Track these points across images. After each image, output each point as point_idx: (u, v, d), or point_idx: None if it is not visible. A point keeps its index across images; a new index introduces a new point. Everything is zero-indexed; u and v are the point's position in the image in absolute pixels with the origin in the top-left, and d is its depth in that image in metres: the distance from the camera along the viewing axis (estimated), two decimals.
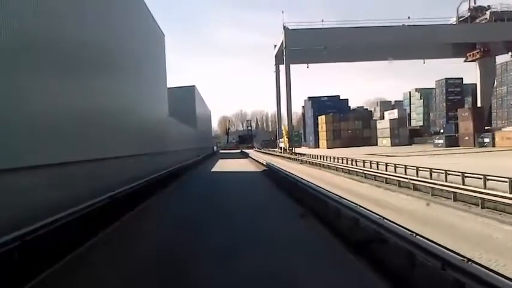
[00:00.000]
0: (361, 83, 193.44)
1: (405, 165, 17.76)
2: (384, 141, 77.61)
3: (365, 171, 21.71)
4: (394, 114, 79.08)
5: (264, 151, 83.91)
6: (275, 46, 57.33)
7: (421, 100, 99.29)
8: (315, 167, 31.17)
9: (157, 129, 26.37)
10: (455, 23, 58.72)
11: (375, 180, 19.94)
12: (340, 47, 51.47)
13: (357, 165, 24.17)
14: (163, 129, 28.31)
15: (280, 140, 57.61)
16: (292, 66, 49.10)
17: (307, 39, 48.98)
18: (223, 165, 39.62)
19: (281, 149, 56.89)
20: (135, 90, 20.55)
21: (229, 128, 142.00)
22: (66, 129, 10.77)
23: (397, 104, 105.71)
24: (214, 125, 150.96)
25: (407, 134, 76.43)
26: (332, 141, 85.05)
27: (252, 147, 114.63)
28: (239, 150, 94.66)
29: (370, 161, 22.33)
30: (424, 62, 59.82)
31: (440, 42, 54.63)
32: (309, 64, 55.46)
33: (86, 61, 12.77)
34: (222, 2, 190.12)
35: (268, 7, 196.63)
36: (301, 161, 37.47)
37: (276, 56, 57.95)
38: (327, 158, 31.90)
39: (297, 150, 54.65)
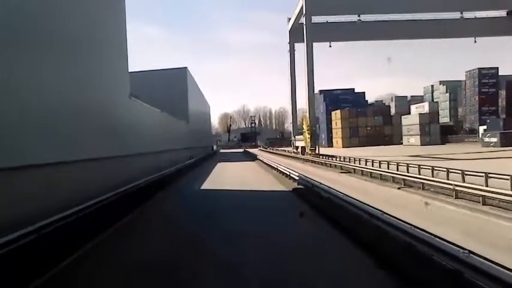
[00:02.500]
0: (368, 78, 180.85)
1: None
2: (412, 140, 65.46)
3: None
4: (423, 108, 66.54)
5: (271, 150, 71.27)
6: (289, 19, 44.79)
7: (447, 94, 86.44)
8: (384, 183, 18.15)
9: (109, 117, 14.18)
10: None
11: None
12: (378, 14, 38.91)
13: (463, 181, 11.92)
14: (124, 118, 16.14)
15: (297, 137, 45.02)
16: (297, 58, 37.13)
17: (334, 4, 36.48)
18: (222, 175, 25.85)
19: (297, 149, 44.43)
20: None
21: (230, 125, 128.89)
22: None
23: (414, 100, 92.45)
24: (215, 122, 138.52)
25: (438, 132, 64.03)
26: (348, 140, 72.98)
27: (255, 146, 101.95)
28: (242, 150, 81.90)
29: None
30: (475, 41, 47.07)
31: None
32: (334, 42, 42.89)
33: None
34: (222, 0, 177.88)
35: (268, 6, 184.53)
36: (342, 168, 24.87)
37: (290, 32, 45.54)
38: (379, 164, 20.00)
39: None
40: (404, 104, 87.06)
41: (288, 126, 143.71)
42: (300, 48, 47.65)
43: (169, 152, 27.88)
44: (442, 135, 63.59)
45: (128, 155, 16.31)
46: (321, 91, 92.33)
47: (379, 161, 22.06)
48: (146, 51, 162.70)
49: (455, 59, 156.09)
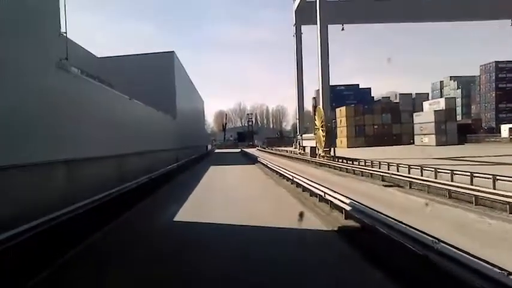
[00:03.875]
0: (367, 76, 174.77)
1: None
2: (426, 140, 58.84)
3: None
4: (439, 104, 59.76)
5: (271, 151, 64.05)
6: None
7: (458, 90, 79.76)
8: (470, 207, 10.97)
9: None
10: None
11: None
12: None
13: None
14: (47, 97, 8.99)
15: (304, 136, 37.85)
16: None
17: None
18: (213, 188, 17.70)
19: (304, 150, 37.27)
20: None
21: (226, 124, 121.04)
22: None
23: (419, 97, 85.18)
24: (210, 120, 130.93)
25: (456, 130, 57.38)
26: (354, 139, 66.43)
27: (253, 146, 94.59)
28: (239, 150, 74.42)
29: None
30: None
31: None
32: (348, 25, 35.74)
33: None
34: None
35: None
36: (383, 178, 17.45)
37: (296, 12, 38.42)
38: (421, 171, 13.76)
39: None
40: (409, 101, 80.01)
41: (286, 125, 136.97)
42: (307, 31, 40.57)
43: (144, 155, 20.68)
44: (459, 135, 57.00)
45: (58, 161, 9.22)
46: None
47: (421, 167, 15.55)
48: (141, 49, 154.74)
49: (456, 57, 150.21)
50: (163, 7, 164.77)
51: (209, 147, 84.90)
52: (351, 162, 25.14)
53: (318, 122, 28.16)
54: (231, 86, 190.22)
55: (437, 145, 54.92)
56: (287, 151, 53.84)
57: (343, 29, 36.66)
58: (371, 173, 18.58)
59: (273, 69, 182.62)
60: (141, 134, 21.51)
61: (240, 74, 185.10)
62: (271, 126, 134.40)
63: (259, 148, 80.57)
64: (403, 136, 68.42)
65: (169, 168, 21.70)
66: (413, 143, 62.94)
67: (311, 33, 36.19)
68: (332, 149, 27.92)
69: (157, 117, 26.73)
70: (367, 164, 23.63)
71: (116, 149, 15.61)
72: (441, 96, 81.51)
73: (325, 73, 27.79)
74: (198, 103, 61.30)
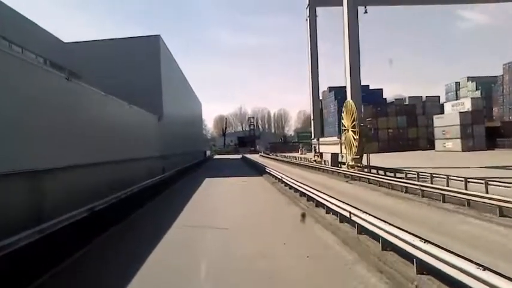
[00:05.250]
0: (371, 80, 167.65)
1: None
2: (449, 144, 51.95)
3: None
4: (464, 105, 52.77)
5: (276, 157, 56.82)
6: None
7: (477, 92, 72.69)
8: None
9: None
10: None
11: None
12: None
13: None
14: None
15: (322, 140, 30.66)
16: None
17: None
18: (201, 234, 8.94)
19: (320, 157, 30.13)
20: None
21: (226, 128, 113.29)
22: None
23: (429, 100, 77.55)
24: (210, 125, 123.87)
25: (484, 134, 50.45)
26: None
27: (255, 152, 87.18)
28: (240, 156, 67.10)
29: None
30: None
31: None
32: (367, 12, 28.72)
33: None
34: (219, 4, 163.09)
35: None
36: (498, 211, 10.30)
37: None
38: None
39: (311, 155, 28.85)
40: (419, 104, 72.65)
41: (289, 130, 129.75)
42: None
43: (108, 166, 13.65)
44: (486, 139, 50.08)
45: None
46: (330, 88, 78.37)
47: (485, 182, 10.99)
48: None
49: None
50: (161, 10, 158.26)
51: (208, 152, 77.74)
52: (391, 174, 18.14)
53: (346, 122, 21.00)
54: (231, 91, 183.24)
55: (463, 150, 48.10)
56: (295, 158, 46.74)
57: (366, 12, 29.72)
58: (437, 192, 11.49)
59: (273, 74, 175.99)
60: (114, 137, 14.60)
61: (240, 79, 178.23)
62: (273, 131, 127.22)
63: (262, 154, 73.25)
64: (420, 141, 61.81)
65: (142, 186, 14.51)
66: (431, 148, 56.19)
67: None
68: (365, 156, 20.76)
69: (140, 119, 19.74)
70: (409, 176, 16.79)
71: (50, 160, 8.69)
72: (456, 98, 74.69)
73: (354, 58, 20.82)
74: (194, 104, 54.22)
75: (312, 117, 32.57)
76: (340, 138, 23.43)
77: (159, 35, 27.20)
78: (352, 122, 20.18)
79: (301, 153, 64.62)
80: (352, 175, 19.68)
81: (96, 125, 13.69)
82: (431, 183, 14.90)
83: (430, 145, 57.86)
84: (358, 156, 21.02)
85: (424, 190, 12.92)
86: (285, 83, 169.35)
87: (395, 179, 15.55)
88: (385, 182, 15.93)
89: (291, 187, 16.01)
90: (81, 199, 9.65)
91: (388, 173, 19.05)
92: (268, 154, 69.82)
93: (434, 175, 16.04)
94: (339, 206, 8.87)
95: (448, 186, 12.78)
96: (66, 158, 10.56)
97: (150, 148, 22.51)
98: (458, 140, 49.76)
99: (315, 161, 30.62)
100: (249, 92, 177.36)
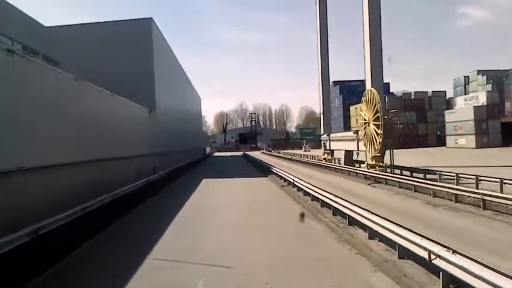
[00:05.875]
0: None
1: None
2: (462, 141, 48.97)
3: None
4: (478, 99, 49.56)
5: (278, 154, 53.71)
6: None
7: (488, 85, 69.41)
8: None
9: None
10: None
11: None
12: None
13: None
14: None
15: (333, 135, 27.44)
16: None
17: None
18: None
19: (331, 154, 27.03)
20: None
21: (226, 124, 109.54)
22: None
23: (435, 95, 74.28)
24: (210, 122, 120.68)
25: (500, 130, 47.37)
26: None
27: (256, 148, 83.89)
28: (241, 153, 63.92)
29: None
30: None
31: None
32: None
33: None
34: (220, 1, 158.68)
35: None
36: None
37: None
38: None
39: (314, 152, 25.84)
40: (425, 99, 69.38)
41: (290, 126, 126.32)
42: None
43: (87, 166, 10.62)
44: (503, 135, 46.98)
45: None
46: (335, 82, 75.15)
47: None
48: None
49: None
50: (160, 5, 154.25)
51: (208, 150, 74.64)
52: (420, 175, 15.07)
53: (367, 114, 17.79)
54: (231, 88, 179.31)
55: (477, 147, 45.11)
56: (300, 155, 43.60)
57: None
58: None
59: (274, 71, 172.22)
60: (84, 132, 11.54)
61: (241, 76, 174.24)
62: (274, 127, 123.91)
63: (264, 151, 70.06)
64: (429, 137, 58.98)
65: (116, 195, 11.23)
66: (441, 144, 53.32)
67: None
68: (389, 154, 17.59)
69: (121, 107, 16.58)
70: (443, 177, 13.87)
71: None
72: (465, 92, 71.52)
73: (375, 34, 17.59)
74: (193, 99, 50.99)
75: (321, 111, 29.42)
76: (357, 134, 20.23)
77: (151, 18, 23.98)
78: (375, 114, 16.98)
79: (305, 150, 61.60)
80: (374, 176, 16.53)
81: (67, 117, 10.60)
82: (477, 188, 11.87)
83: (440, 142, 54.92)
84: (380, 154, 17.86)
85: (485, 200, 9.76)
86: (285, 80, 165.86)
87: (438, 184, 12.41)
88: (423, 187, 12.79)
89: (305, 192, 12.91)
90: (33, 214, 6.61)
91: (415, 174, 16.01)
92: (270, 151, 66.72)
93: (480, 178, 12.99)
94: (400, 235, 5.73)
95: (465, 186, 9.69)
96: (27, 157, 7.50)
97: (139, 145, 19.39)
98: (472, 136, 46.68)
99: (324, 159, 27.46)
100: (250, 89, 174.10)
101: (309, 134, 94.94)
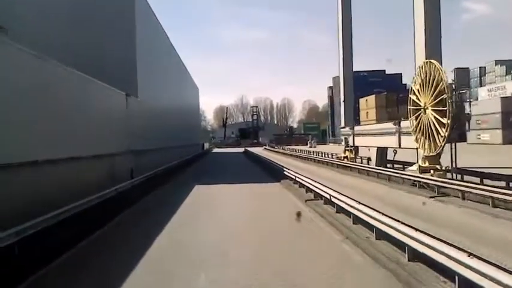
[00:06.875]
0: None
1: None
2: (486, 136, 43.95)
3: None
4: (505, 90, 44.50)
5: (284, 151, 48.59)
6: None
7: (508, 76, 64.24)
8: None
9: None
10: None
11: None
12: None
13: None
14: None
15: (357, 128, 22.33)
16: None
17: None
18: None
19: (354, 152, 21.91)
20: None
21: (226, 118, 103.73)
22: None
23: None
24: (210, 117, 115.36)
25: None
26: None
27: (258, 144, 78.61)
28: (242, 150, 58.72)
29: None
30: None
31: None
32: None
33: None
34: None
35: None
36: None
37: None
38: None
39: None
40: None
41: (293, 121, 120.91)
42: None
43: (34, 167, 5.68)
44: None
45: None
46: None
47: None
48: None
49: None
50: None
51: (206, 145, 69.45)
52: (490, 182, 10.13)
53: (423, 97, 12.68)
54: (231, 82, 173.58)
55: (504, 143, 40.02)
56: (309, 152, 38.53)
57: None
58: None
59: (274, 67, 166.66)
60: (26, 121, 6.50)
61: (241, 71, 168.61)
62: (276, 122, 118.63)
63: (266, 147, 64.90)
64: None
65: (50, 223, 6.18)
66: (461, 140, 47.97)
67: None
68: (451, 153, 12.52)
69: (80, 87, 11.42)
70: None
71: None
72: (480, 84, 66.46)
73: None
74: (190, 89, 45.77)
75: (342, 99, 24.38)
76: (399, 125, 15.16)
77: None
78: (437, 97, 11.89)
79: (310, 147, 56.74)
80: (436, 185, 11.47)
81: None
82: None
83: (459, 137, 49.99)
84: (436, 153, 12.80)
85: None
86: (287, 74, 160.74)
87: None
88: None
89: (355, 217, 7.86)
90: None
91: (488, 181, 11.06)
92: (273, 147, 61.60)
93: None
94: None
95: None
96: None
97: (110, 140, 14.34)
98: (498, 131, 41.52)
99: (345, 157, 22.37)
100: (251, 84, 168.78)
101: (313, 129, 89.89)
